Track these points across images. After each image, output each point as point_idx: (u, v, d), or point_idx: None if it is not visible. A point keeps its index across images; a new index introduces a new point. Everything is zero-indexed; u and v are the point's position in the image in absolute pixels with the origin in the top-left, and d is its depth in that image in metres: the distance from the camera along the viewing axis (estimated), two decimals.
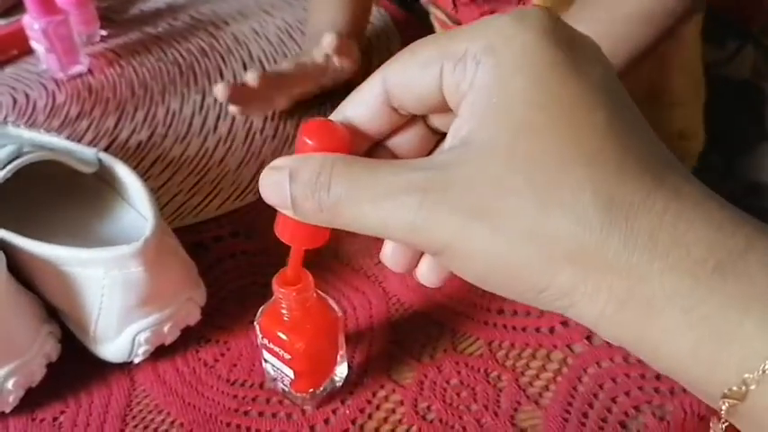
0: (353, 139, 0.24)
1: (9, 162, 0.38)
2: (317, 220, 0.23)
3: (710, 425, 0.23)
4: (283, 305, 0.32)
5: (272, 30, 0.67)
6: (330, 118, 0.25)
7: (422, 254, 0.26)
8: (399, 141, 0.26)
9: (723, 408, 0.20)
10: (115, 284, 0.34)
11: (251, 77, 0.51)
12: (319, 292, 0.33)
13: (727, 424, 0.21)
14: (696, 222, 0.19)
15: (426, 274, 0.26)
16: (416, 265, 0.26)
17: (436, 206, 0.21)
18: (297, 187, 0.23)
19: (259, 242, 0.45)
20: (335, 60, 0.54)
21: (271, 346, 0.33)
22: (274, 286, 0.31)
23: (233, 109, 0.53)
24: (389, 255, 0.26)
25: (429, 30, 0.69)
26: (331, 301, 0.34)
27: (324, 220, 0.23)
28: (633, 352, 0.21)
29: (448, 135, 0.23)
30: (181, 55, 0.64)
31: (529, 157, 0.20)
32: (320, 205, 0.22)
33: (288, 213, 0.24)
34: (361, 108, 0.24)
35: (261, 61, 0.63)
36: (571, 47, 0.21)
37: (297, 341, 0.32)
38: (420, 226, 0.21)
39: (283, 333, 0.32)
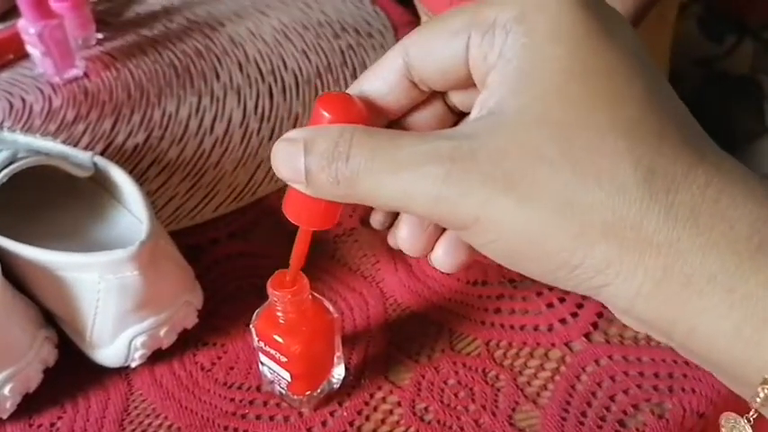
0: (370, 115, 0.23)
1: (4, 167, 0.38)
2: (331, 195, 0.22)
3: (721, 422, 0.22)
4: (278, 308, 0.32)
5: (268, 30, 0.67)
6: (347, 92, 0.24)
7: (438, 236, 0.24)
8: (416, 119, 0.25)
9: (760, 395, 0.18)
10: (110, 289, 0.34)
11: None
12: (315, 293, 0.33)
13: (756, 416, 0.20)
14: (738, 198, 0.18)
15: (442, 258, 0.24)
16: (432, 249, 0.25)
17: (464, 176, 0.19)
18: (312, 159, 0.21)
19: (256, 244, 0.44)
20: None
21: (267, 349, 0.33)
22: (269, 289, 0.31)
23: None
24: (405, 236, 0.24)
25: None
26: (327, 303, 0.34)
27: (339, 194, 0.22)
28: (665, 335, 0.20)
29: (474, 109, 0.22)
30: (177, 57, 0.64)
31: (564, 126, 0.19)
32: (337, 176, 0.21)
33: (300, 188, 0.23)
34: (378, 82, 0.23)
35: (257, 62, 0.63)
36: (601, 14, 0.20)
37: (293, 344, 0.32)
38: (446, 197, 0.20)
39: (279, 336, 0.32)
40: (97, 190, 0.43)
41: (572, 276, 0.19)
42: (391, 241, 0.43)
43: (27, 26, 0.58)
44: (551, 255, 0.19)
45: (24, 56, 0.64)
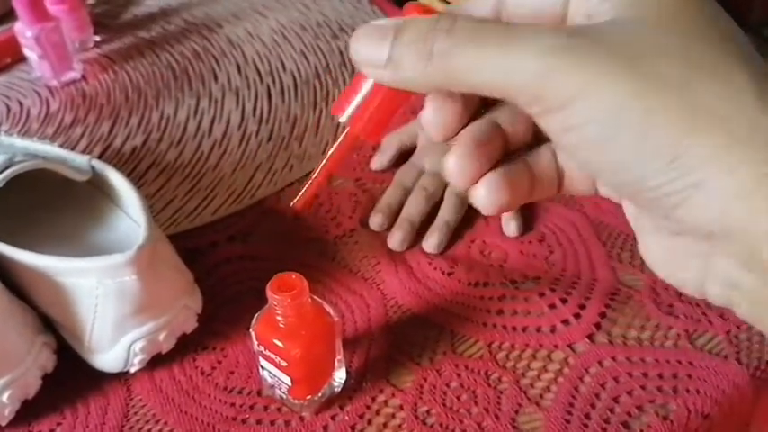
0: None
1: (1, 171, 0.38)
2: (413, 76, 0.21)
3: None
4: (278, 311, 0.31)
5: (266, 31, 0.67)
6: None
7: (486, 171, 0.23)
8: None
9: None
10: (109, 293, 0.34)
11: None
12: (314, 297, 0.33)
13: None
14: None
15: (484, 196, 0.23)
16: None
17: (582, 49, 0.19)
18: (401, 42, 0.20)
19: (255, 247, 0.44)
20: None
21: (267, 353, 0.33)
22: (269, 293, 0.31)
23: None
24: (454, 163, 0.23)
25: None
26: (327, 306, 0.33)
27: (425, 73, 0.20)
28: (750, 253, 0.19)
29: (574, 18, 0.21)
30: (174, 59, 0.64)
31: (683, 29, 0.19)
32: (432, 51, 0.20)
33: (374, 72, 0.21)
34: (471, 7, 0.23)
35: (255, 63, 0.62)
36: None
37: (293, 348, 0.32)
38: (557, 67, 0.19)
39: (279, 340, 0.32)
40: (95, 194, 0.43)
41: (667, 170, 0.18)
42: (391, 243, 0.43)
43: (24, 29, 0.58)
44: (653, 140, 0.18)
45: (21, 59, 0.64)
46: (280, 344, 0.32)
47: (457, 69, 0.20)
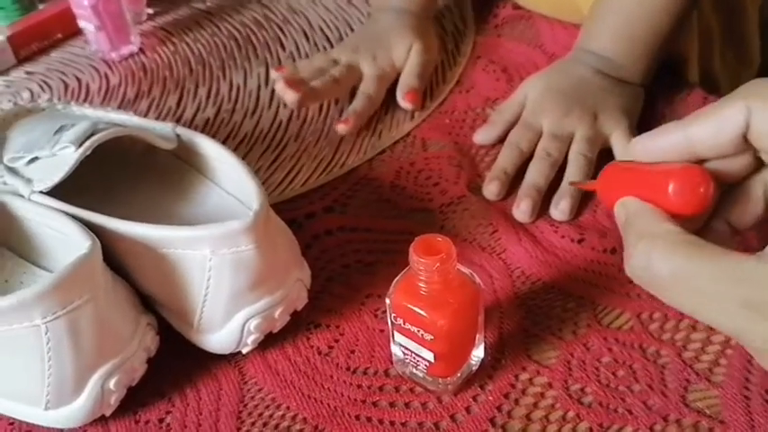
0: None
1: (86, 139, 0.35)
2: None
3: None
4: (422, 278, 0.28)
5: None
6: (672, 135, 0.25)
7: None
8: (721, 162, 0.25)
9: None
10: (223, 266, 0.30)
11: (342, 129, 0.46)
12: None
13: None
14: None
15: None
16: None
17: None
18: (628, 237, 0.24)
19: (355, 217, 0.40)
20: (402, 104, 0.48)
21: (406, 326, 0.29)
22: (413, 257, 0.27)
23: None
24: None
25: None
26: (470, 272, 0.30)
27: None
28: None
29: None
30: (235, 28, 0.60)
31: None
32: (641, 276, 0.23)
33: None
34: (711, 139, 0.24)
35: (322, 29, 0.59)
36: None
37: (439, 318, 0.28)
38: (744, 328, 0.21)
39: (423, 309, 0.28)
40: (178, 165, 0.39)
41: None
42: (518, 214, 0.38)
43: None
44: None
45: (74, 34, 0.60)
46: (423, 314, 0.28)
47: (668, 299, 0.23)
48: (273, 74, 0.49)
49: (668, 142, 0.25)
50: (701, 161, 0.25)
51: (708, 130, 0.24)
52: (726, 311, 0.21)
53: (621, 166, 0.27)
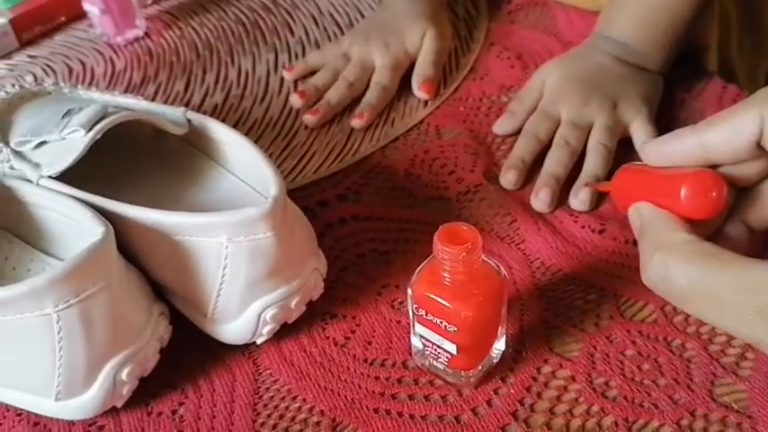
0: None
1: (96, 123, 0.33)
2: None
3: None
4: (446, 267, 0.27)
5: None
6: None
7: None
8: (735, 167, 0.25)
9: None
10: (240, 253, 0.29)
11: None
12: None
13: None
14: None
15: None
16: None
17: None
18: (644, 244, 0.24)
19: (369, 206, 0.40)
20: (418, 94, 0.47)
21: (429, 317, 0.28)
22: (437, 246, 0.27)
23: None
24: None
25: None
26: (495, 263, 0.29)
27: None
28: None
29: None
30: (243, 13, 0.59)
31: None
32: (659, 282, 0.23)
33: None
34: (725, 145, 0.24)
35: (331, 15, 0.57)
36: None
37: (463, 309, 0.27)
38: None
39: (446, 300, 0.27)
40: (188, 150, 0.38)
41: None
42: (537, 203, 0.38)
43: None
44: None
45: (77, 17, 0.59)
46: (447, 304, 0.27)
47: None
48: (286, 75, 0.50)
49: (682, 147, 0.25)
50: (714, 166, 0.25)
51: (722, 136, 0.24)
52: (744, 320, 0.21)
53: (635, 168, 0.27)
